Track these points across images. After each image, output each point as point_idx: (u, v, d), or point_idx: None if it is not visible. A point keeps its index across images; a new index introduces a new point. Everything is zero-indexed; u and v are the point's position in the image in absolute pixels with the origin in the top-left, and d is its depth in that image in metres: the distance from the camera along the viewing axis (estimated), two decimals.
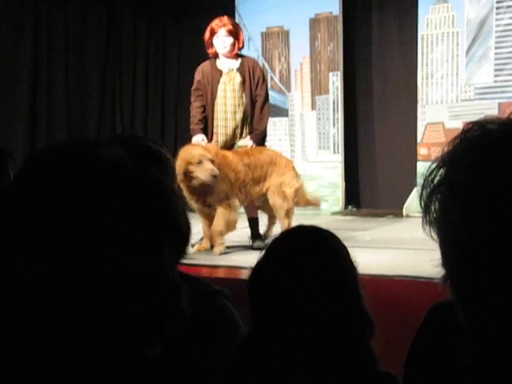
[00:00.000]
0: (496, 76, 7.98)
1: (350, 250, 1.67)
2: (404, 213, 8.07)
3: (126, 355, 0.85)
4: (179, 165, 5.21)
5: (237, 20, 9.46)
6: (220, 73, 5.85)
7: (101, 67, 10.02)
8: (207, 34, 5.92)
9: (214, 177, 5.29)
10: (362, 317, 1.59)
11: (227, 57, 5.87)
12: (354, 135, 9.16)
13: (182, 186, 5.32)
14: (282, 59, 9.38)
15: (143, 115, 10.38)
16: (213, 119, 5.83)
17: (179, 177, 5.17)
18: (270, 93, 9.38)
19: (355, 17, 9.15)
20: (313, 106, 9.12)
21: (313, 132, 9.07)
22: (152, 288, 0.86)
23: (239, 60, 5.91)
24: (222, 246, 5.53)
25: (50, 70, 9.42)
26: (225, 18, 5.99)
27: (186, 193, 5.40)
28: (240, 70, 5.86)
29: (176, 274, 0.90)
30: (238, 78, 5.85)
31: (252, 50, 9.40)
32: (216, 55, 5.88)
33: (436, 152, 8.22)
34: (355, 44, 9.20)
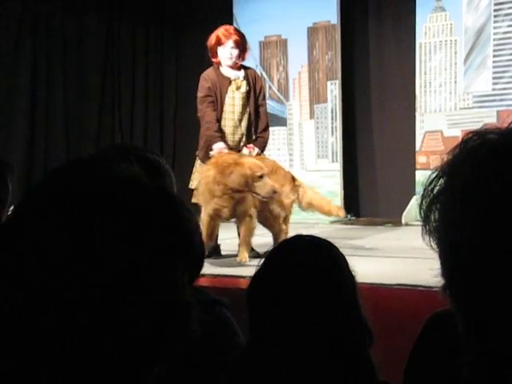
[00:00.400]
0: (494, 84, 7.99)
1: (348, 258, 1.67)
2: (403, 221, 8.06)
3: (130, 371, 0.85)
4: (240, 175, 5.20)
5: None
6: (228, 81, 5.84)
7: (100, 75, 10.03)
8: (212, 42, 5.86)
9: (274, 193, 5.30)
10: (361, 326, 1.59)
11: (231, 67, 5.86)
12: (352, 144, 9.16)
13: (221, 193, 5.31)
14: (280, 68, 9.39)
15: (142, 124, 10.39)
16: (220, 126, 5.83)
17: (233, 185, 5.21)
18: (269, 102, 9.41)
19: (353, 25, 9.17)
20: (311, 115, 9.13)
21: (311, 141, 9.07)
22: (162, 306, 0.86)
23: (242, 70, 5.91)
24: (249, 252, 5.56)
25: (48, 79, 9.42)
26: (231, 29, 5.96)
27: (220, 201, 5.37)
28: (246, 79, 5.88)
29: (188, 293, 0.90)
30: (244, 87, 5.86)
31: (250, 59, 9.37)
32: (219, 64, 5.87)
33: (435, 160, 8.22)
34: (353, 53, 9.21)
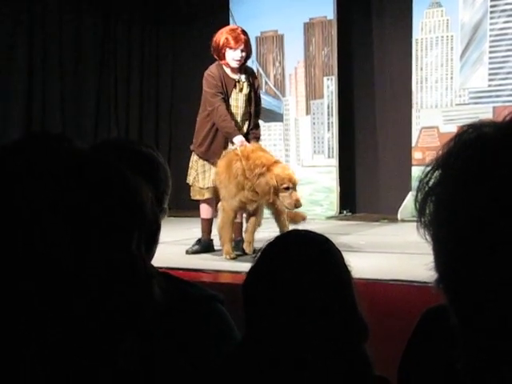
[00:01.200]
0: (490, 80, 8.00)
1: (344, 254, 1.67)
2: (399, 217, 8.07)
3: (99, 345, 0.85)
4: (266, 183, 5.23)
5: (231, 24, 9.48)
6: (233, 82, 5.81)
7: (96, 71, 10.02)
8: (220, 43, 5.77)
9: (297, 206, 5.34)
10: (357, 320, 1.59)
11: (237, 69, 5.83)
12: (348, 140, 9.16)
13: (250, 183, 5.35)
14: (277, 64, 9.39)
15: (138, 119, 10.39)
16: None
17: (266, 182, 5.23)
18: (265, 97, 9.41)
19: (349, 21, 9.16)
20: (307, 111, 9.13)
21: (307, 137, 9.08)
22: (121, 279, 0.85)
23: (243, 70, 5.89)
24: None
25: (45, 74, 9.40)
26: (239, 30, 5.89)
27: (249, 194, 5.41)
28: (247, 80, 5.86)
29: (147, 264, 0.89)
30: (246, 89, 5.85)
31: None
32: (226, 65, 5.81)
33: (431, 156, 8.21)
34: (350, 48, 9.21)
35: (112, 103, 10.23)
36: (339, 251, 1.66)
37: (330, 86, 8.96)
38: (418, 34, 8.39)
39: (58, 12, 9.50)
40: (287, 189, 5.27)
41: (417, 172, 8.27)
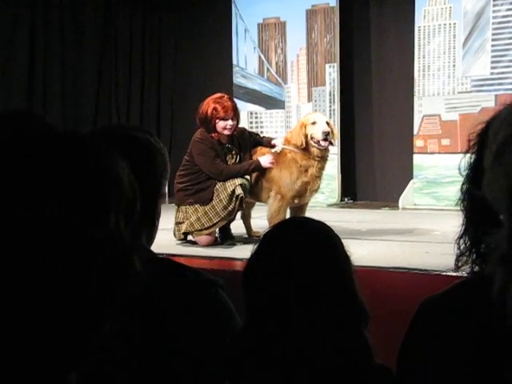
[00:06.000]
0: (493, 68, 7.97)
1: (344, 241, 1.67)
2: (400, 205, 8.08)
3: (83, 321, 0.84)
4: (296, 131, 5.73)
5: (233, 11, 9.46)
6: (223, 150, 5.67)
7: (97, 57, 10.01)
8: (209, 114, 5.57)
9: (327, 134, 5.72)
10: (357, 307, 1.59)
11: (225, 137, 5.68)
12: (350, 127, 9.15)
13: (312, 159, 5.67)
14: (279, 51, 9.36)
15: (139, 104, 10.39)
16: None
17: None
18: (267, 84, 9.40)
19: (352, 8, 9.13)
20: (309, 98, 9.11)
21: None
22: (99, 255, 0.84)
23: (231, 138, 5.72)
24: None
25: (46, 60, 9.39)
26: (225, 98, 5.69)
27: (314, 170, 5.70)
28: (236, 148, 5.73)
29: (127, 239, 0.88)
30: (235, 155, 5.71)
31: (248, 42, 9.39)
32: (218, 137, 5.64)
33: (432, 144, 8.22)
34: (352, 36, 9.19)
35: (113, 90, 10.22)
36: (339, 238, 1.66)
37: (331, 73, 8.94)
38: (420, 21, 8.37)
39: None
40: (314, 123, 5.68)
41: (418, 160, 8.27)
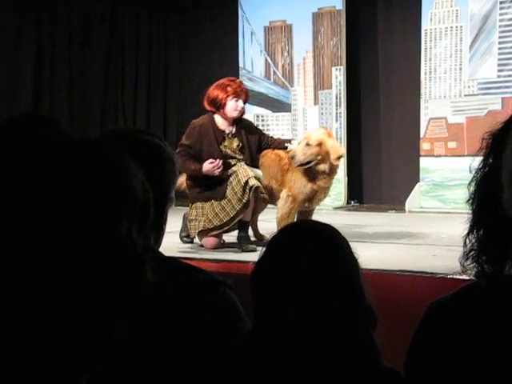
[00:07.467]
0: (499, 71, 7.96)
1: (351, 244, 1.67)
2: (406, 208, 8.07)
3: (89, 335, 0.84)
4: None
5: (239, 14, 9.47)
6: (221, 135, 5.64)
7: (103, 60, 10.02)
8: (221, 94, 5.57)
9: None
10: (365, 309, 1.59)
11: (231, 119, 5.68)
12: (356, 130, 9.15)
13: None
14: (285, 54, 9.37)
15: (145, 106, 10.40)
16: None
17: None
18: (273, 87, 9.40)
19: (358, 11, 9.13)
20: (315, 101, 9.11)
21: (315, 127, 9.06)
22: (110, 265, 0.84)
23: (237, 123, 5.71)
24: None
25: (52, 63, 9.42)
26: (239, 81, 5.81)
27: (322, 181, 5.64)
28: (238, 134, 5.70)
29: (139, 248, 0.88)
30: (235, 143, 5.69)
31: (255, 44, 9.40)
32: (224, 114, 5.63)
33: (439, 147, 8.21)
34: (358, 38, 9.18)
35: (119, 92, 10.24)
36: (346, 241, 1.67)
37: (338, 76, 8.94)
38: (427, 24, 8.36)
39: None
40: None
41: (425, 163, 8.26)
